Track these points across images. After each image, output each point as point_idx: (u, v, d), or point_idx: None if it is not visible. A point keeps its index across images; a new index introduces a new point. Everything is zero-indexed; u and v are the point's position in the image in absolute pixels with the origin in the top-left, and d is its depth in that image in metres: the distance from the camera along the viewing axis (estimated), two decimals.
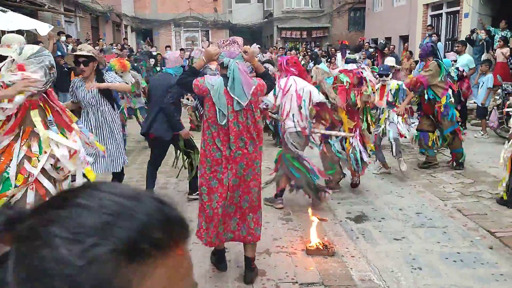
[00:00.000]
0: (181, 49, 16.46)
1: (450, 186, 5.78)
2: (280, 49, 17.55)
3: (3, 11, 8.37)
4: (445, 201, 5.25)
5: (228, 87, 3.18)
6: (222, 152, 3.26)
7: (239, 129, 3.25)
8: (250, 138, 3.30)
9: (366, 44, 15.57)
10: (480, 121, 9.13)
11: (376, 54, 13.35)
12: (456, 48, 10.17)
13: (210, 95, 3.20)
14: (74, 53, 4.90)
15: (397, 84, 6.24)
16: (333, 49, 15.88)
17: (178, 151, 5.29)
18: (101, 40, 14.75)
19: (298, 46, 22.54)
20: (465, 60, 9.42)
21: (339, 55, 8.85)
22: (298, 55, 18.13)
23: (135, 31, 23.68)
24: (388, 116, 6.18)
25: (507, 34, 10.25)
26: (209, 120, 3.25)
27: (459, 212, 4.88)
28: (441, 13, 13.65)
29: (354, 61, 6.10)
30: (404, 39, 15.88)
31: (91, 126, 4.49)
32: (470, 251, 3.94)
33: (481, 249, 3.99)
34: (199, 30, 24.30)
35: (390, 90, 6.18)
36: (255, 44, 12.71)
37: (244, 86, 3.19)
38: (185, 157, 5.23)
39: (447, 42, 13.16)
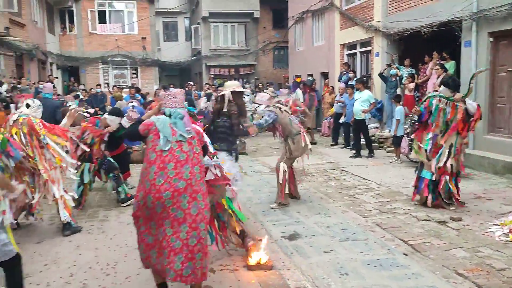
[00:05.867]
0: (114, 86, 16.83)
1: (370, 205, 6.50)
2: (212, 86, 18.34)
3: None
4: (366, 217, 5.91)
5: (171, 122, 3.37)
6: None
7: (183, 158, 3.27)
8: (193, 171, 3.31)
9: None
10: (395, 148, 10.19)
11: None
12: (355, 85, 11.27)
13: (155, 127, 3.32)
14: None
15: None
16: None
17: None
18: (23, 79, 14.35)
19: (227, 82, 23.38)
20: (366, 96, 10.53)
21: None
22: None
23: (61, 68, 23.20)
24: None
25: (412, 71, 11.62)
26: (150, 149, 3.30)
27: (378, 226, 5.54)
28: (356, 52, 15.08)
29: None
30: (325, 75, 17.20)
31: None
32: (387, 257, 4.55)
33: (396, 255, 4.62)
34: (128, 68, 24.35)
35: None
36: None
37: (186, 125, 3.41)
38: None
39: (363, 78, 14.48)
